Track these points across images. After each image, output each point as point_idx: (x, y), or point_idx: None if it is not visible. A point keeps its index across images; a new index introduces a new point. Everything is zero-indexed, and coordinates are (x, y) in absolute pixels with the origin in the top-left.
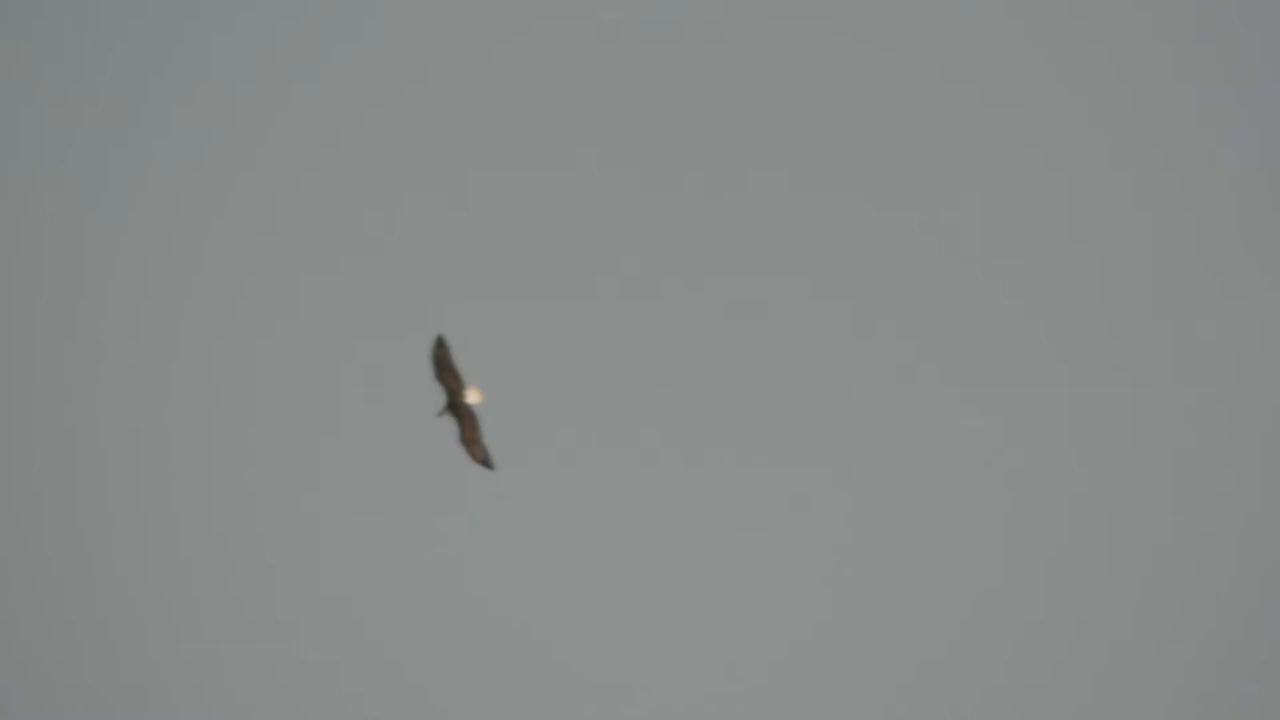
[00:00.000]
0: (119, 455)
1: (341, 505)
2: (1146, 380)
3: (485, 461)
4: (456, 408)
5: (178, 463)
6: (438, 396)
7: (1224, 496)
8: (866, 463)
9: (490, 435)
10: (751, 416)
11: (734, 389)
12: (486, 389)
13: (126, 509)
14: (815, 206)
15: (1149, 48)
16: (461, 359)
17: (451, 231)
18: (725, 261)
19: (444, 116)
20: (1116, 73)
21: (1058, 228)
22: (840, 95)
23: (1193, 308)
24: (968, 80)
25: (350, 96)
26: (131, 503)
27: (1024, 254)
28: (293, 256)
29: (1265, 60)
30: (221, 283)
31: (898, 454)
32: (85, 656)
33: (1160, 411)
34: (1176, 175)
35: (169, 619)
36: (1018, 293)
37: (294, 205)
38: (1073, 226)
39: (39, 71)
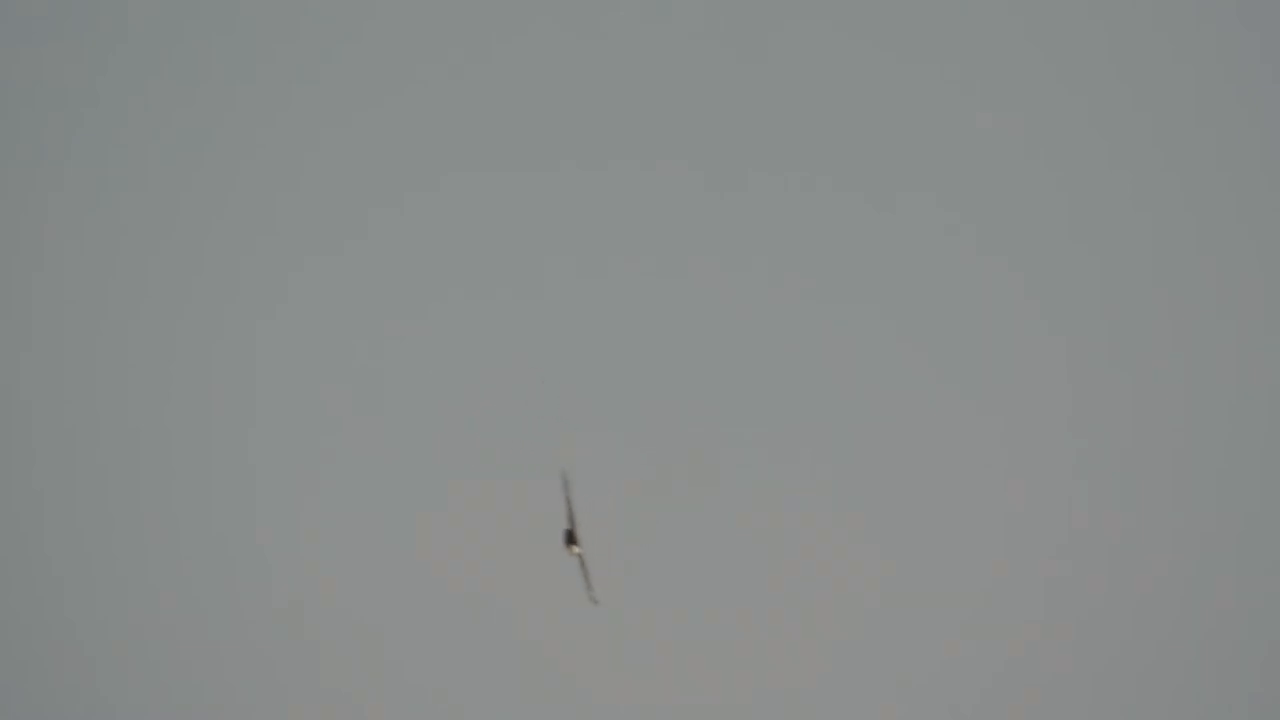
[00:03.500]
0: (119, 452)
1: (340, 504)
2: (1147, 379)
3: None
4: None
5: (177, 460)
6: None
7: (1224, 493)
8: (866, 462)
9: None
10: (751, 417)
11: (730, 389)
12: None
13: (126, 506)
14: (815, 206)
15: (1149, 48)
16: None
17: (449, 229)
18: (723, 262)
19: (446, 116)
20: (1117, 73)
21: (1059, 228)
22: (841, 97)
23: (1193, 306)
24: (969, 81)
25: (352, 97)
26: (131, 499)
27: (1025, 254)
28: (293, 255)
29: (1265, 60)
30: (219, 281)
31: (896, 454)
32: (85, 657)
33: (1160, 410)
34: (1177, 174)
35: (168, 614)
36: (1019, 292)
37: (296, 204)
38: (1074, 226)
39: (39, 71)
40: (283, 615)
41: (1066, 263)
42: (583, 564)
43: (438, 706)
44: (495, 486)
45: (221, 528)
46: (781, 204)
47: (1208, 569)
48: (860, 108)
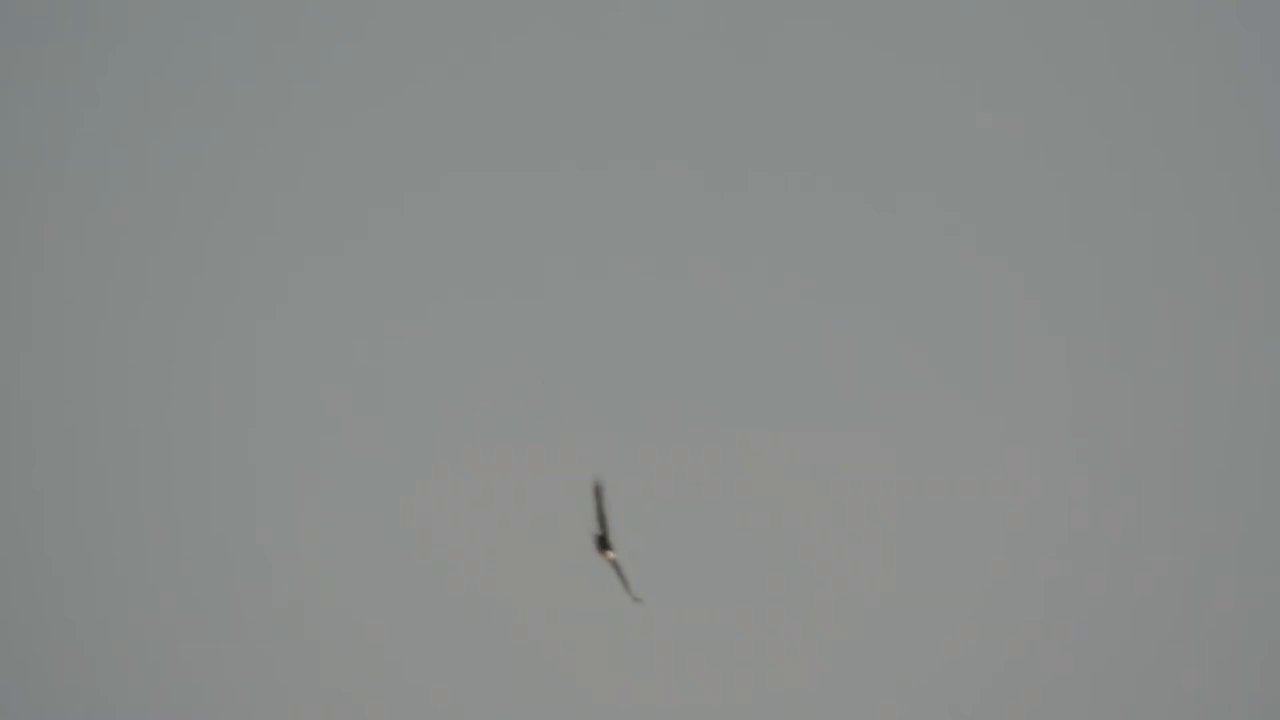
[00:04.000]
0: (119, 452)
1: (341, 504)
2: (1147, 379)
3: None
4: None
5: (177, 460)
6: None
7: (1224, 493)
8: (866, 462)
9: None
10: (751, 417)
11: (730, 389)
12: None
13: (126, 506)
14: (815, 206)
15: (1149, 48)
16: (610, 507)
17: (449, 229)
18: (723, 262)
19: (446, 116)
20: (1117, 73)
21: (1059, 228)
22: (841, 97)
23: (1193, 306)
24: (969, 81)
25: (352, 97)
26: (131, 499)
27: (1025, 254)
28: (293, 255)
29: (1265, 60)
30: (219, 281)
31: (896, 454)
32: (85, 656)
33: (1160, 410)
34: (1177, 174)
35: (168, 614)
36: (1019, 292)
37: (296, 204)
38: (1074, 226)
39: (39, 71)
40: (283, 615)
41: (1066, 263)
42: (618, 568)
43: (438, 706)
44: (496, 486)
45: (221, 528)
46: (781, 204)
47: (1208, 569)
48: (860, 108)
